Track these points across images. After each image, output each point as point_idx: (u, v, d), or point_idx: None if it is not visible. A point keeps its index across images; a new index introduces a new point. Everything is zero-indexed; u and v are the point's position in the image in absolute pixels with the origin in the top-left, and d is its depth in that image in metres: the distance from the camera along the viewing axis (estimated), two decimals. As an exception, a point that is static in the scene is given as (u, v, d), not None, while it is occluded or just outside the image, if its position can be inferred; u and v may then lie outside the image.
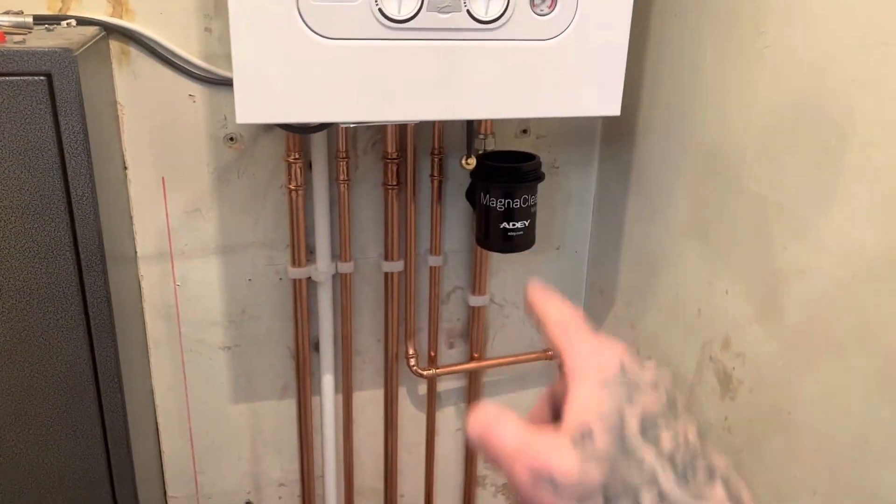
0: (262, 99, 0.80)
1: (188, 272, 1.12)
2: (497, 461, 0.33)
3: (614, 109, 0.88)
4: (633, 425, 0.31)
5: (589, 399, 0.32)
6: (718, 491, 0.30)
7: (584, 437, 0.31)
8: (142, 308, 1.11)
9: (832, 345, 0.75)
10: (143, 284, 1.10)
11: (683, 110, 0.98)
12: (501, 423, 0.33)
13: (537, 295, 0.38)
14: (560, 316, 0.37)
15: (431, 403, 1.31)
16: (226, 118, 1.05)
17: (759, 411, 0.87)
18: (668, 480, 0.30)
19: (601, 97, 0.87)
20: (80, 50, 0.79)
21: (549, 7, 0.82)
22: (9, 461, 0.90)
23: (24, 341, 0.86)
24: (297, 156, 1.06)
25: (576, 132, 1.21)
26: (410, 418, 1.32)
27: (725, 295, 0.91)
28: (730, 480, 0.31)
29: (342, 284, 1.17)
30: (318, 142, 1.06)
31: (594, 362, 0.33)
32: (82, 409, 0.90)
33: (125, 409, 0.92)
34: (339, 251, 1.15)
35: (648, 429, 0.31)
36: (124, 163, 1.04)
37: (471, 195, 1.12)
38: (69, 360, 0.88)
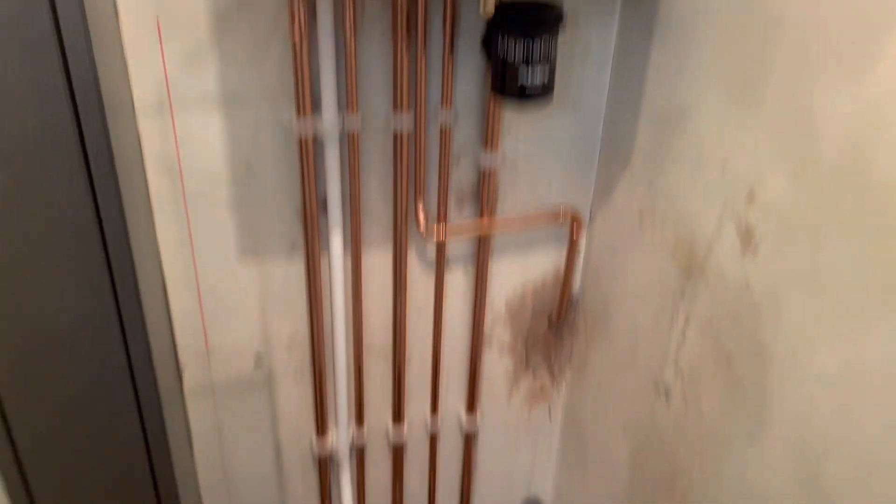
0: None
1: (189, 125, 1.07)
2: None
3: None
4: None
5: None
6: None
7: None
8: (142, 162, 1.07)
9: (871, 195, 0.72)
10: (143, 137, 1.05)
11: (720, -53, 0.90)
12: None
13: None
14: None
15: (440, 264, 1.30)
16: (222, -46, 0.97)
17: (782, 267, 0.85)
18: None
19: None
20: None
21: None
22: (20, 314, 0.89)
23: (24, 191, 0.83)
24: (300, 4, 0.98)
25: (598, -22, 1.12)
26: (419, 279, 1.31)
27: (755, 145, 0.87)
28: None
29: (349, 141, 1.13)
30: (323, -17, 0.99)
31: None
32: (90, 262, 0.89)
33: (133, 262, 0.90)
34: (346, 105, 1.09)
35: None
36: (115, 7, 0.97)
37: (487, 44, 1.06)
38: (72, 211, 0.85)
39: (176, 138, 1.07)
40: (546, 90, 0.98)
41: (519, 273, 1.37)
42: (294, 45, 1.02)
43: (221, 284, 1.22)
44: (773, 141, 0.84)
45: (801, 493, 0.86)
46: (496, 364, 1.47)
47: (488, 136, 1.18)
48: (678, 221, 1.05)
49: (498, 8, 0.97)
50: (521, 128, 1.22)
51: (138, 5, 0.97)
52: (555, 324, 1.44)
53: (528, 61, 0.93)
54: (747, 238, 0.90)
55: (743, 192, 0.90)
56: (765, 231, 0.87)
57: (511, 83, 0.96)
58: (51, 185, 0.83)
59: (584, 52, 1.17)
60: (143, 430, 1.02)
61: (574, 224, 1.29)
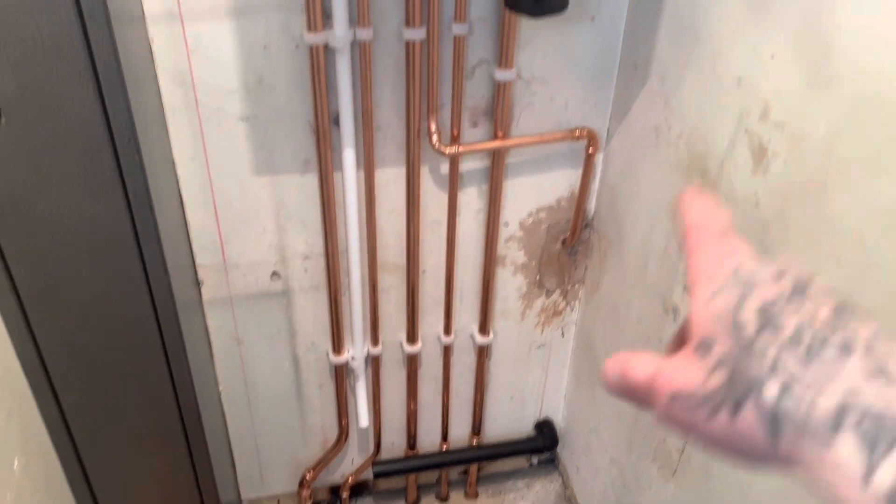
0: None
1: (200, 35, 1.06)
2: (637, 394, 0.34)
3: None
4: (750, 321, 0.30)
5: (702, 311, 0.33)
6: (853, 364, 0.28)
7: (703, 347, 0.32)
8: (154, 72, 1.07)
9: (887, 106, 0.70)
10: (154, 47, 1.05)
11: None
12: (635, 359, 0.35)
13: (687, 198, 0.38)
14: (695, 218, 0.37)
15: (453, 182, 1.30)
16: None
17: (791, 183, 0.84)
18: (792, 364, 0.29)
19: None
20: None
21: None
22: (34, 221, 0.91)
23: (33, 97, 0.83)
24: None
25: None
26: (432, 197, 1.32)
27: (770, 60, 0.84)
28: (874, 349, 0.29)
29: (361, 54, 1.11)
30: None
31: (706, 275, 0.34)
32: (101, 170, 0.90)
33: (144, 170, 0.91)
34: (358, 16, 1.08)
35: (769, 319, 0.30)
36: None
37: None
38: (82, 117, 0.86)
39: (187, 48, 1.07)
40: (562, 8, 0.95)
41: (533, 193, 1.37)
42: (303, -48, 1.00)
43: (237, 199, 1.23)
44: (791, 55, 0.81)
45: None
46: (510, 283, 1.48)
47: (503, 51, 1.16)
48: (693, 138, 1.03)
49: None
50: (537, 43, 1.19)
51: None
52: (569, 244, 1.44)
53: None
54: (759, 155, 0.88)
55: (758, 108, 0.88)
56: (777, 148, 0.85)
57: (527, 4, 0.93)
58: (60, 93, 0.83)
59: (605, -39, 1.13)
60: (161, 337, 1.06)
61: (590, 142, 1.28)
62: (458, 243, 1.38)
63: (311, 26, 1.06)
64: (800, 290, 0.31)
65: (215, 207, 1.23)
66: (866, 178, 0.73)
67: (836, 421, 0.27)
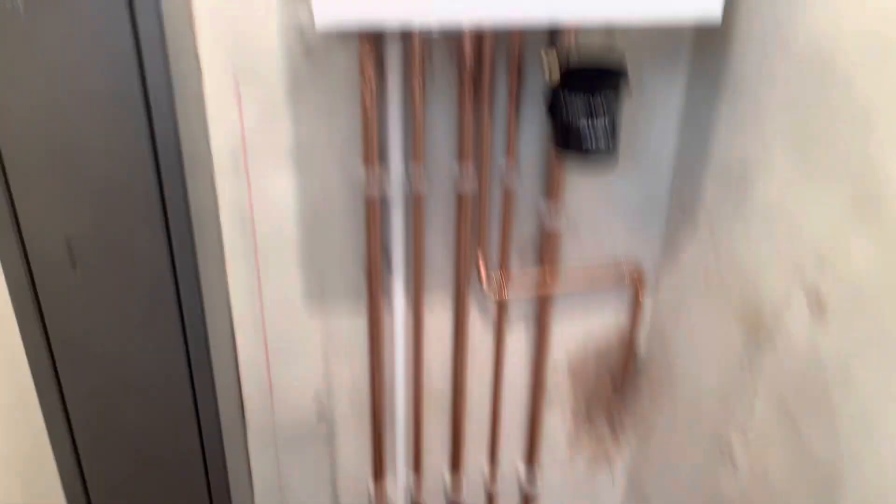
0: (341, 3, 0.76)
1: (262, 180, 1.11)
2: None
3: (714, 11, 0.81)
4: None
5: None
6: None
7: None
8: (218, 217, 1.12)
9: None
10: (219, 191, 1.11)
11: (788, 13, 0.90)
12: None
13: None
14: None
15: (500, 322, 1.30)
16: (301, 26, 1.02)
17: (853, 336, 0.82)
18: None
19: (700, -4, 0.80)
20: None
21: None
22: (95, 360, 0.93)
23: (105, 239, 0.88)
24: (371, 68, 1.02)
25: (664, 43, 1.13)
26: (479, 336, 1.31)
27: (824, 209, 0.85)
28: None
29: (415, 203, 1.15)
30: (393, 53, 1.03)
31: None
32: (163, 311, 0.93)
33: (203, 311, 0.94)
34: (413, 169, 1.12)
35: None
36: (199, 71, 1.03)
37: (552, 107, 1.07)
38: (150, 259, 0.89)
39: (250, 192, 1.12)
40: (610, 155, 0.98)
41: (581, 331, 1.36)
42: (364, 111, 1.06)
43: (287, 334, 1.25)
44: (844, 204, 0.82)
45: (878, 580, 0.81)
46: (557, 424, 1.44)
47: (551, 194, 1.19)
48: (745, 285, 1.03)
49: (563, 71, 0.99)
50: (584, 189, 1.22)
51: (219, 69, 1.03)
52: (619, 385, 1.41)
53: (591, 130, 0.94)
54: (818, 307, 0.87)
55: (814, 261, 0.88)
56: (837, 299, 0.84)
57: (575, 150, 0.96)
58: (130, 236, 0.88)
59: (651, 114, 1.18)
60: (207, 478, 1.05)
61: (638, 284, 1.28)
62: (504, 382, 1.37)
63: (369, 175, 1.11)
64: None
65: (265, 342, 1.25)
66: (934, 337, 0.71)
67: None
